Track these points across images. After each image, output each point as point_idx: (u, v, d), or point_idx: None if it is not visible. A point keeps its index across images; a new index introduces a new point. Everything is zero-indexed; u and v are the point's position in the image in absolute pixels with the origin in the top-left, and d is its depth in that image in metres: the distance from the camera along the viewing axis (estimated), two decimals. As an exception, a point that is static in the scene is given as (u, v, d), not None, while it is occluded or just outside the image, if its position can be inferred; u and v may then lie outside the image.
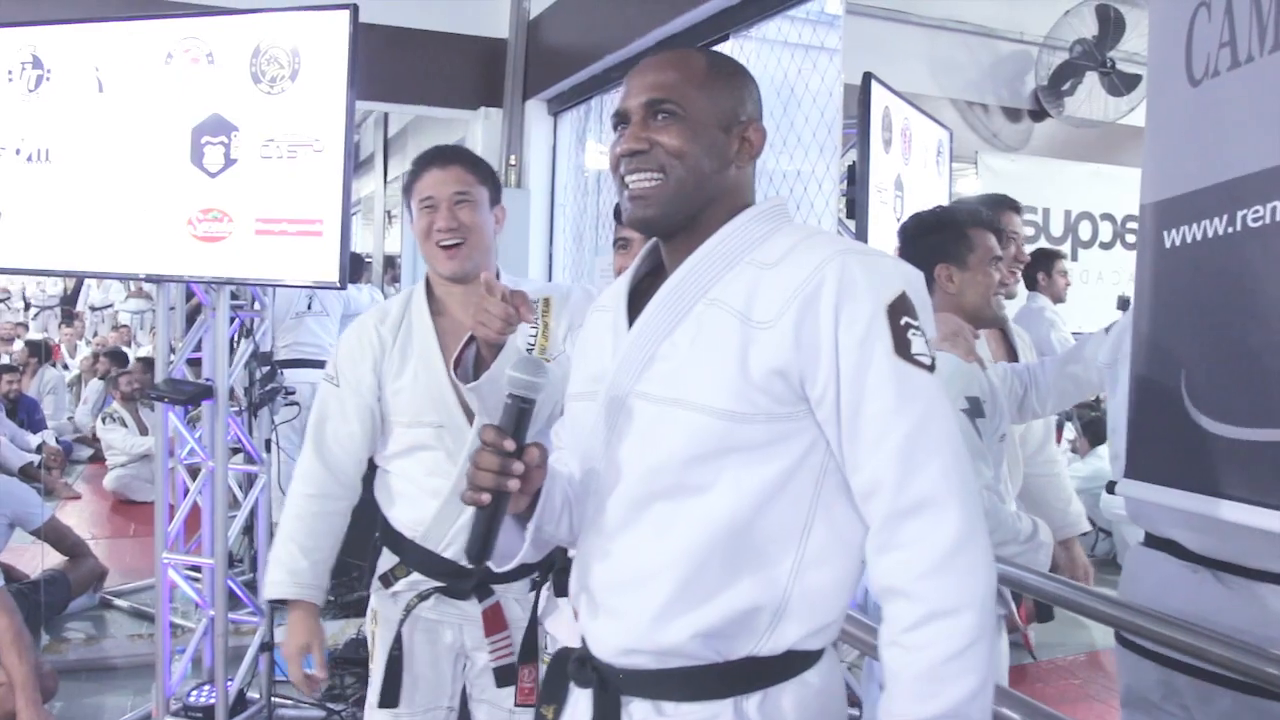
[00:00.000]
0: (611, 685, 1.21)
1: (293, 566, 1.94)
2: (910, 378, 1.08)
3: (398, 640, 1.95)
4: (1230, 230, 1.41)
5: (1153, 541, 1.92)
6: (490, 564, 1.21)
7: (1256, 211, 1.36)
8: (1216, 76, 1.43)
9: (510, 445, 1.13)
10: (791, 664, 1.18)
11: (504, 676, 1.97)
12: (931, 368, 1.11)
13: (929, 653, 1.06)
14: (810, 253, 1.12)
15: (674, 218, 1.20)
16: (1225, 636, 1.53)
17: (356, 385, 1.97)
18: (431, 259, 1.97)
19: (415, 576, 1.98)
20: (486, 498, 1.13)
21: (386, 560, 2.03)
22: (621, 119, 1.23)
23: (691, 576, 1.14)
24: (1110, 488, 1.78)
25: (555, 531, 1.26)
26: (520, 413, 1.15)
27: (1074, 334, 4.79)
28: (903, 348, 1.09)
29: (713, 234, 1.19)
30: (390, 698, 1.95)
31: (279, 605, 3.81)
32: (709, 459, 1.13)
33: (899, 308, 1.10)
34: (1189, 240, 1.48)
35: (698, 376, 1.14)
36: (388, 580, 2.02)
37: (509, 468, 1.13)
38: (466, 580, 1.93)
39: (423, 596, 1.97)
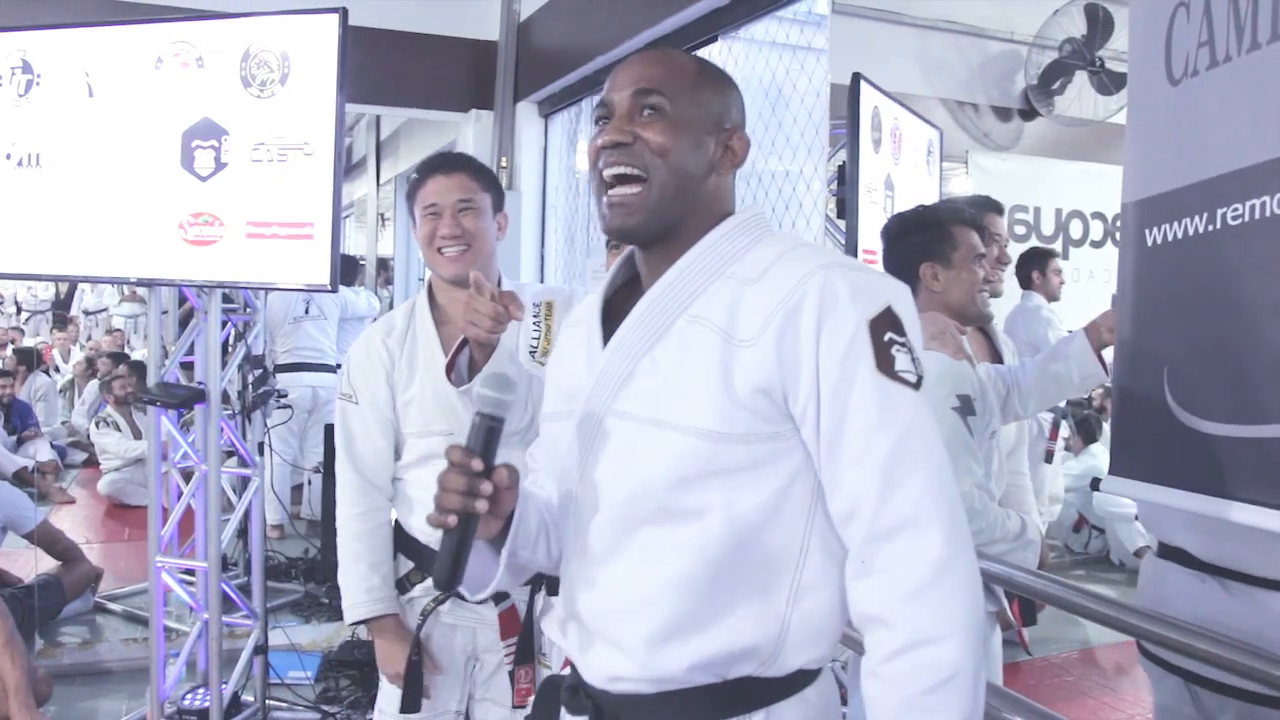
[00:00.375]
0: (608, 712, 1.17)
1: (368, 585, 1.97)
2: (892, 395, 1.05)
3: (417, 645, 1.96)
4: (1211, 228, 1.42)
5: (1164, 551, 1.92)
6: (464, 591, 1.16)
7: (1236, 209, 1.37)
8: (1195, 76, 1.44)
9: (478, 465, 1.09)
10: (794, 683, 1.14)
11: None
12: (916, 385, 1.07)
13: (909, 684, 1.02)
14: (793, 267, 1.09)
15: (655, 226, 1.15)
16: (1218, 634, 1.53)
17: (374, 401, 1.99)
18: (435, 264, 1.98)
19: (429, 582, 1.99)
20: (453, 520, 1.08)
21: (401, 566, 2.04)
22: (605, 113, 1.18)
23: (686, 606, 1.10)
24: (1095, 484, 1.79)
25: (532, 557, 1.22)
26: (489, 431, 1.11)
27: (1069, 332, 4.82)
28: (885, 364, 1.05)
29: (693, 244, 1.15)
30: (412, 704, 1.95)
31: (273, 609, 3.85)
32: (694, 482, 1.08)
33: (882, 323, 1.06)
34: (1170, 238, 1.50)
35: (680, 395, 1.09)
36: (404, 586, 2.03)
37: (477, 488, 1.08)
38: None
39: (439, 601, 1.97)
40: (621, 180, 1.15)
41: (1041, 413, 4.28)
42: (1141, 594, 2.04)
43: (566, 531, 1.21)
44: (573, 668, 1.23)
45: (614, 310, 1.20)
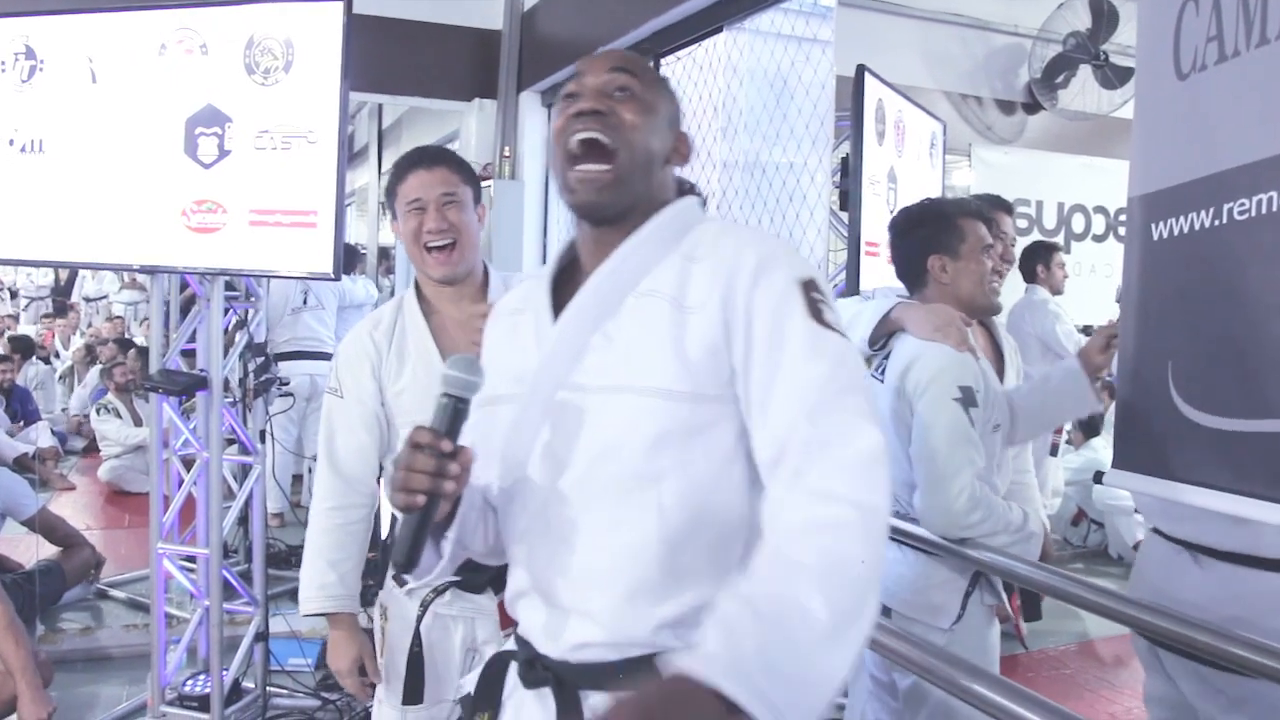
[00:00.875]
0: (569, 682, 1.18)
1: (322, 581, 1.98)
2: (824, 336, 1.10)
3: (417, 637, 1.96)
4: (1216, 223, 1.42)
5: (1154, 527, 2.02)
6: (409, 577, 1.19)
7: (1242, 204, 1.37)
8: (1203, 70, 1.44)
9: (448, 446, 1.11)
10: None
11: None
12: (844, 336, 1.13)
13: (846, 541, 0.98)
14: (734, 240, 1.18)
15: (620, 203, 1.20)
16: (1217, 627, 1.56)
17: (359, 395, 1.98)
18: (421, 263, 1.98)
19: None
20: (422, 500, 1.10)
21: None
22: (576, 90, 1.23)
23: (650, 569, 1.13)
24: (1098, 478, 1.82)
25: (470, 542, 1.25)
26: (456, 412, 1.13)
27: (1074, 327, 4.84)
28: (816, 314, 1.11)
29: (640, 227, 1.21)
30: (414, 695, 1.96)
31: (274, 596, 3.86)
32: (651, 445, 1.13)
33: (811, 285, 1.13)
34: (1176, 232, 1.50)
35: (636, 361, 1.14)
36: (401, 579, 2.04)
37: (445, 469, 1.10)
38: (482, 574, 1.94)
39: (438, 591, 1.98)
40: (590, 150, 1.19)
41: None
42: (1136, 568, 2.14)
43: (517, 509, 1.23)
44: (522, 642, 1.24)
45: (557, 296, 1.25)
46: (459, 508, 1.18)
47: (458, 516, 1.18)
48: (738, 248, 1.15)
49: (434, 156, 2.01)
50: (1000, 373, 2.45)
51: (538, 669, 1.21)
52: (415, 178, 1.96)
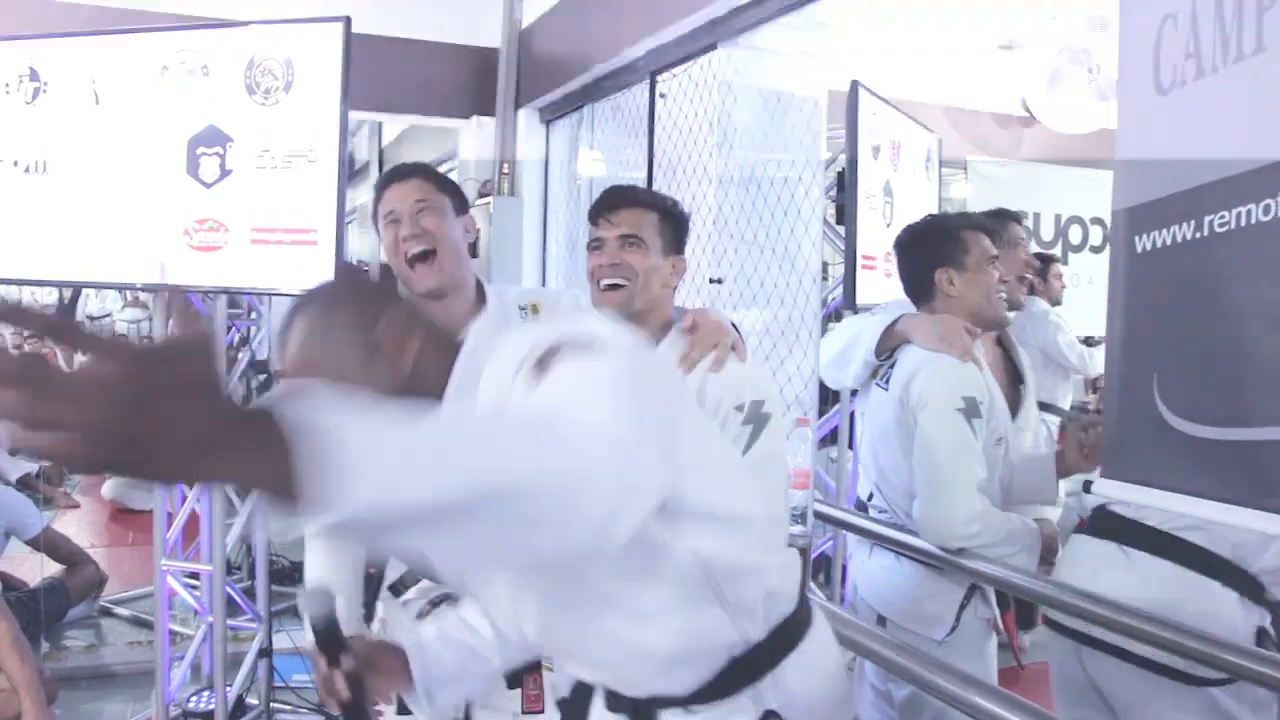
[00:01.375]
0: (643, 708, 1.29)
1: None
2: (555, 373, 0.96)
3: None
4: (1198, 235, 1.44)
5: (1086, 526, 2.13)
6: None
7: (1222, 217, 1.40)
8: (1183, 86, 1.47)
9: (322, 667, 1.31)
10: (787, 637, 1.26)
11: (513, 679, 1.99)
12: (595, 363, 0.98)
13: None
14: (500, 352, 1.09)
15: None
16: (1224, 641, 1.61)
17: None
18: (406, 278, 1.96)
19: (425, 583, 2.00)
20: (333, 703, 1.33)
21: (394, 569, 2.04)
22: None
23: (645, 662, 1.22)
24: (1086, 487, 1.85)
25: (457, 688, 1.48)
26: (325, 635, 1.31)
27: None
28: (546, 369, 0.97)
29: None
30: (406, 705, 1.97)
31: (277, 612, 3.87)
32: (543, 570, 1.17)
33: (545, 355, 0.99)
34: (1159, 245, 1.52)
35: None
36: (397, 589, 2.03)
37: (330, 689, 1.32)
38: None
39: (434, 604, 1.99)
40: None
41: (1049, 415, 4.33)
42: (1060, 565, 2.20)
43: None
44: None
45: None
46: (415, 671, 1.40)
47: (416, 679, 1.40)
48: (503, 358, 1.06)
49: (408, 170, 2.01)
50: (1020, 389, 2.45)
51: (620, 699, 1.32)
52: (390, 191, 1.97)
